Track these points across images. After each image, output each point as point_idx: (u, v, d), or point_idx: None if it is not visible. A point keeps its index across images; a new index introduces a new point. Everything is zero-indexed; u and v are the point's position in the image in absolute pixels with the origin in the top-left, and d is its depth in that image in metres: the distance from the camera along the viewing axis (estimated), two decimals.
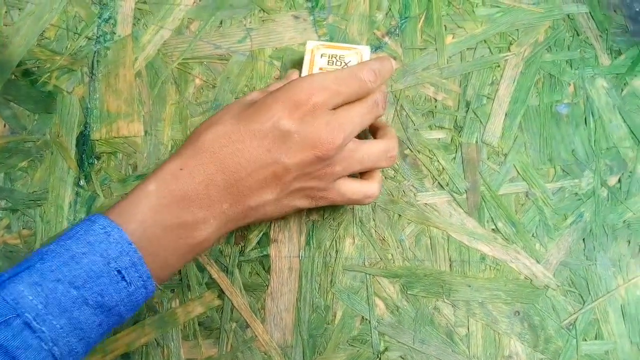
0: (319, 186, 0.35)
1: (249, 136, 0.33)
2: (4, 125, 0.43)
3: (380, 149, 0.37)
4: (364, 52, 0.42)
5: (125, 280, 0.29)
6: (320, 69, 0.41)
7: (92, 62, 0.45)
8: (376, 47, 0.47)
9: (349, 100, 0.35)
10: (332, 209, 0.43)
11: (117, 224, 0.30)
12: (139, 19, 0.47)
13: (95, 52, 0.46)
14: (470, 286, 0.42)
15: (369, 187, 0.38)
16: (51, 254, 0.28)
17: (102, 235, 0.29)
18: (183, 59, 0.46)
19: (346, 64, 0.42)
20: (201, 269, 0.41)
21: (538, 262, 0.43)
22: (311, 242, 0.42)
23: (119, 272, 0.29)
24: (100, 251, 0.29)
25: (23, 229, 0.42)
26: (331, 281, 0.42)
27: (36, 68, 0.45)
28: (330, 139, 0.33)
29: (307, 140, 0.33)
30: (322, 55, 0.42)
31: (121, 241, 0.29)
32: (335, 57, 0.42)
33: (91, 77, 0.45)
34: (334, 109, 0.35)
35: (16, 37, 0.46)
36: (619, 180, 0.45)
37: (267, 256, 0.42)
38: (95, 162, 0.43)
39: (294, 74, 0.43)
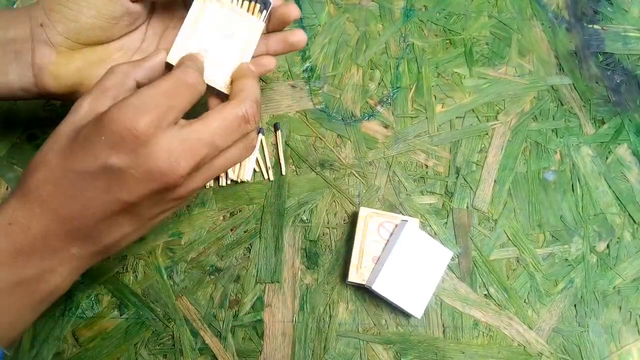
0: (180, 202, 0.31)
1: (78, 180, 0.28)
2: (6, 188, 0.45)
3: (234, 129, 0.30)
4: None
5: None
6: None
7: None
8: (369, 115, 0.49)
9: (186, 110, 0.30)
10: (326, 273, 0.43)
11: None
12: None
13: None
14: (464, 353, 0.42)
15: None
16: None
17: None
18: None
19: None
20: (194, 333, 0.41)
21: (531, 328, 0.43)
22: (305, 306, 0.42)
23: None
24: None
25: None
26: (324, 347, 0.41)
27: (41, 132, 0.47)
28: (172, 170, 0.28)
29: (146, 174, 0.28)
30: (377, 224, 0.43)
31: None
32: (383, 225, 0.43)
33: None
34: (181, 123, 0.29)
35: (23, 102, 0.47)
36: (608, 246, 0.46)
37: (261, 321, 0.42)
38: None
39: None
